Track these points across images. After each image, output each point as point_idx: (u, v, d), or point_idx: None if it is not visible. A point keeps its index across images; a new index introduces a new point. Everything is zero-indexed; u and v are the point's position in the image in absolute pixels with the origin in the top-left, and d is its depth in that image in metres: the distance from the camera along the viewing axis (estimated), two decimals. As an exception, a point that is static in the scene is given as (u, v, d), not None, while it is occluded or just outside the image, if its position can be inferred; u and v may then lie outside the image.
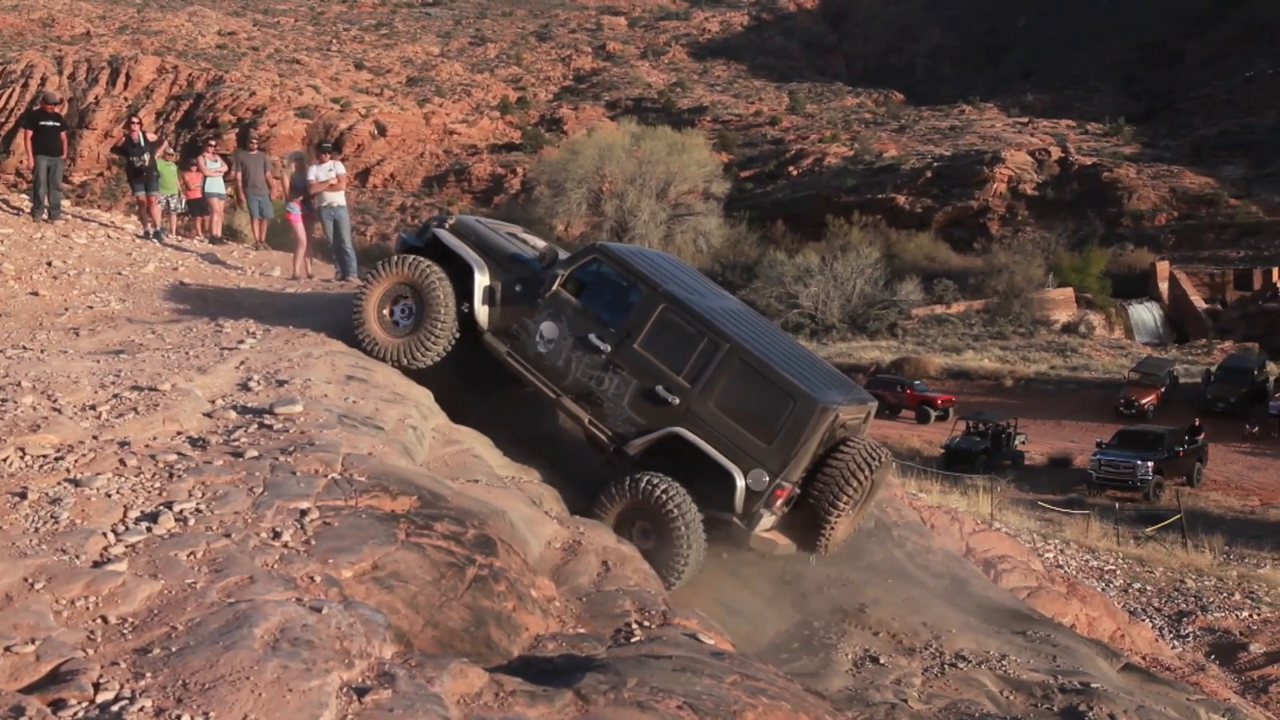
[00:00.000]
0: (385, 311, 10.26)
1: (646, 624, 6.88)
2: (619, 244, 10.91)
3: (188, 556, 5.42)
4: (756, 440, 8.92)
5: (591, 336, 9.52)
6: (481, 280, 10.09)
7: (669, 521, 8.83)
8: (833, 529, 9.22)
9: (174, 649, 4.54)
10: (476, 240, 10.43)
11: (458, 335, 10.18)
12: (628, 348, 9.40)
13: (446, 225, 10.62)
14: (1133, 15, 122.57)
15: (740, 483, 8.90)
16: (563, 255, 10.33)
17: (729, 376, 9.07)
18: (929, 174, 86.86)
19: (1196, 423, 36.34)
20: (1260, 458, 38.17)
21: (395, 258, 10.45)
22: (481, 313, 10.08)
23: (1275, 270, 68.93)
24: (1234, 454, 38.42)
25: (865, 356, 52.41)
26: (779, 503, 8.96)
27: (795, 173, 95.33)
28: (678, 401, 9.15)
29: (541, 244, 11.14)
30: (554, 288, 9.76)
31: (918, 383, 46.83)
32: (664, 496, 8.86)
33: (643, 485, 8.94)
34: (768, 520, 9.06)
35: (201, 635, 4.64)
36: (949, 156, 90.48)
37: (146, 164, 18.39)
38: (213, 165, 20.44)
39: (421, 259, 10.20)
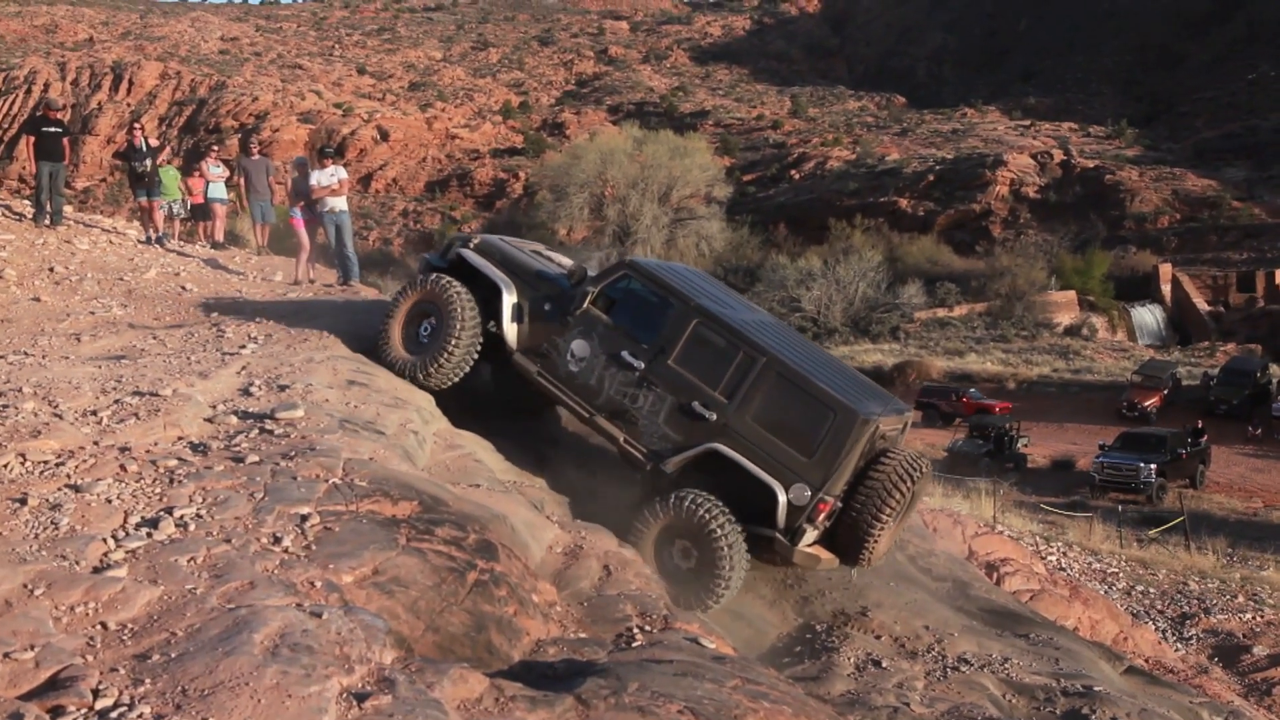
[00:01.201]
0: (410, 331, 10.15)
1: (648, 628, 6.86)
2: (649, 259, 10.80)
3: (188, 562, 5.41)
4: (797, 454, 8.74)
5: (624, 354, 9.34)
6: (509, 299, 9.93)
7: (711, 540, 8.67)
8: (876, 542, 9.05)
9: (173, 655, 4.53)
10: (502, 259, 10.27)
11: (478, 354, 10.02)
12: (661, 364, 9.22)
13: (471, 245, 10.47)
14: (1134, 17, 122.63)
15: (782, 498, 8.72)
16: (591, 272, 10.19)
17: (766, 390, 8.91)
18: (931, 177, 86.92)
19: (1199, 425, 36.35)
20: (1263, 460, 38.15)
21: (419, 277, 10.36)
22: (510, 332, 9.92)
23: (1277, 272, 68.94)
24: (1237, 456, 38.41)
25: (867, 360, 52.30)
26: (821, 517, 8.79)
27: (797, 176, 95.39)
28: (715, 417, 8.96)
29: (567, 262, 10.98)
30: (584, 305, 9.59)
31: (973, 390, 45.62)
32: (705, 515, 8.68)
33: (685, 504, 8.77)
34: (810, 535, 8.88)
35: (201, 641, 4.63)
36: (951, 160, 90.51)
37: (148, 169, 18.42)
38: (215, 170, 20.44)
39: (443, 277, 10.05)
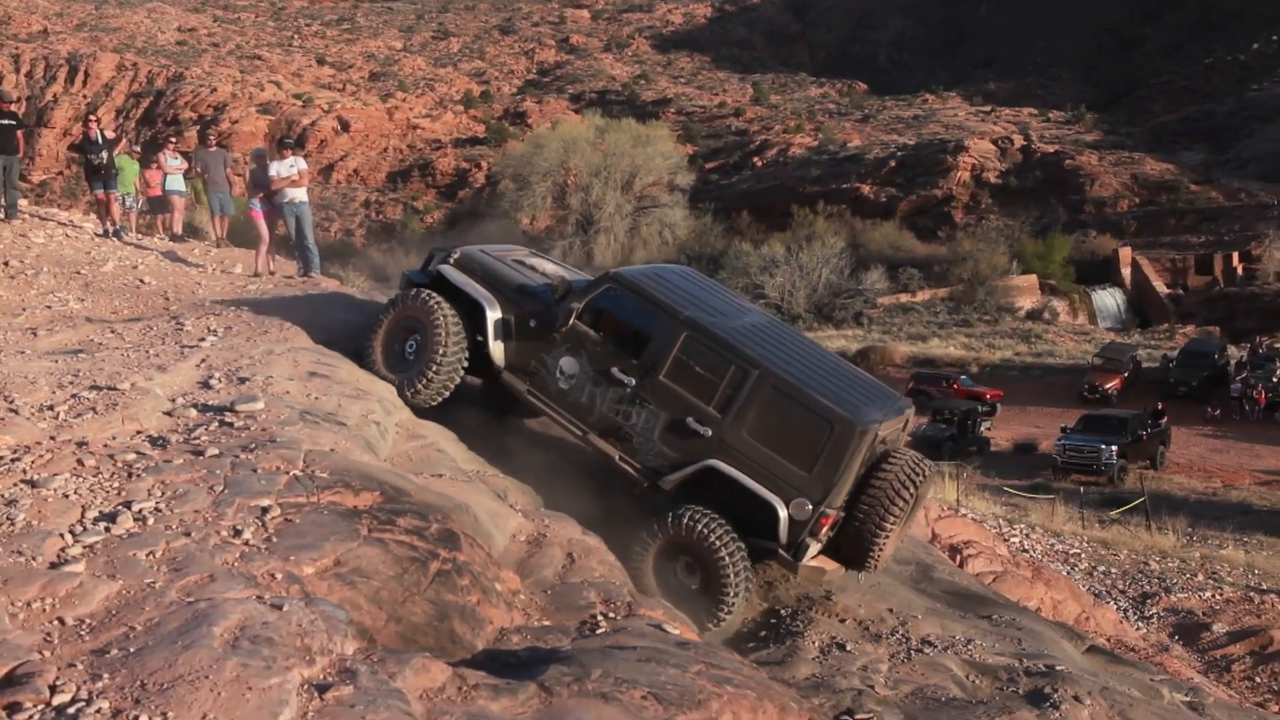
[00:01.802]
0: (395, 348, 9.94)
1: (612, 615, 6.86)
2: (634, 269, 10.32)
3: (146, 556, 5.37)
4: (795, 468, 8.53)
5: (614, 370, 9.11)
6: (493, 317, 9.71)
7: (714, 557, 8.50)
8: (881, 549, 8.92)
9: (132, 649, 4.50)
10: (484, 274, 10.02)
11: (464, 371, 9.83)
12: (653, 380, 8.98)
13: (451, 259, 10.20)
14: (1091, 3, 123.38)
15: (783, 513, 8.52)
16: (577, 281, 9.97)
17: (761, 403, 8.66)
18: (893, 163, 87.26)
19: (1159, 406, 36.71)
20: (1222, 440, 38.59)
21: (401, 293, 10.15)
22: (496, 350, 9.71)
23: (1235, 255, 69.69)
24: (1196, 437, 38.83)
25: (831, 346, 52.20)
26: (824, 530, 8.65)
27: (760, 163, 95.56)
28: (710, 433, 8.75)
29: (553, 268, 10.83)
30: (570, 321, 9.35)
31: (964, 377, 45.33)
32: (707, 532, 8.51)
33: (685, 521, 8.59)
34: (814, 549, 8.73)
35: (160, 635, 4.59)
36: (913, 146, 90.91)
37: (104, 161, 18.21)
38: (173, 162, 20.25)
39: (425, 293, 9.82)
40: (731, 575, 8.49)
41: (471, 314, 9.81)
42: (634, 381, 9.06)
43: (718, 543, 8.50)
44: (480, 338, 9.74)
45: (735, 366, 8.77)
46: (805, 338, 10.34)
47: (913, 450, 9.41)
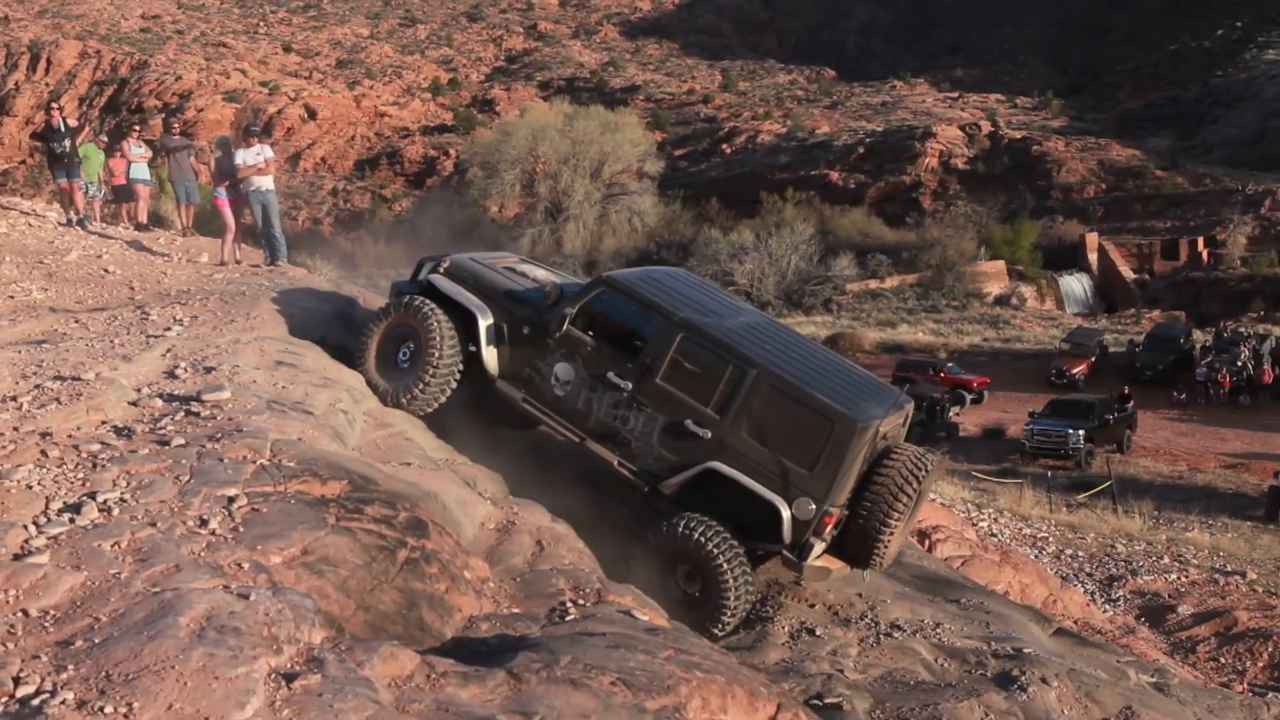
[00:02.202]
0: (388, 355, 9.80)
1: (581, 602, 6.86)
2: (626, 271, 10.11)
3: (112, 547, 5.33)
4: (797, 468, 8.38)
5: (610, 374, 8.97)
6: (485, 325, 9.57)
7: (713, 565, 8.39)
8: (886, 546, 8.82)
9: (97, 640, 4.46)
10: (475, 282, 9.88)
11: (459, 377, 9.69)
12: (649, 383, 8.84)
13: (441, 268, 10.04)
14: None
15: (785, 513, 8.41)
16: (569, 286, 9.84)
17: (760, 403, 8.54)
18: (861, 150, 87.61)
19: (1126, 391, 36.95)
20: (1187, 423, 38.94)
21: (393, 301, 10.01)
22: (489, 359, 9.57)
23: (1200, 240, 70.31)
24: (1162, 420, 39.15)
25: (801, 333, 52.38)
26: (828, 529, 8.54)
27: (729, 150, 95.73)
28: (709, 435, 8.63)
29: (543, 273, 10.72)
30: (564, 326, 9.22)
31: (951, 365, 45.11)
32: (704, 540, 8.39)
33: (680, 529, 8.47)
34: (819, 548, 8.60)
35: (125, 626, 4.56)
36: (881, 132, 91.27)
37: (67, 150, 18.06)
38: (137, 151, 20.08)
39: (419, 299, 9.71)
40: (731, 583, 8.37)
41: (464, 323, 9.68)
42: (630, 385, 8.93)
43: (716, 550, 8.37)
44: (473, 347, 9.60)
45: (733, 366, 8.65)
46: (802, 336, 10.25)
47: (914, 445, 9.27)
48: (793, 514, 8.43)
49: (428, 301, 9.67)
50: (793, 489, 8.43)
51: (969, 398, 42.08)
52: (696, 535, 8.40)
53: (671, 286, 9.61)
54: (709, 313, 9.24)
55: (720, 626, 8.41)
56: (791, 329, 10.48)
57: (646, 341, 9.00)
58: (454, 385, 9.71)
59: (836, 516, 8.55)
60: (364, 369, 9.82)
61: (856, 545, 8.87)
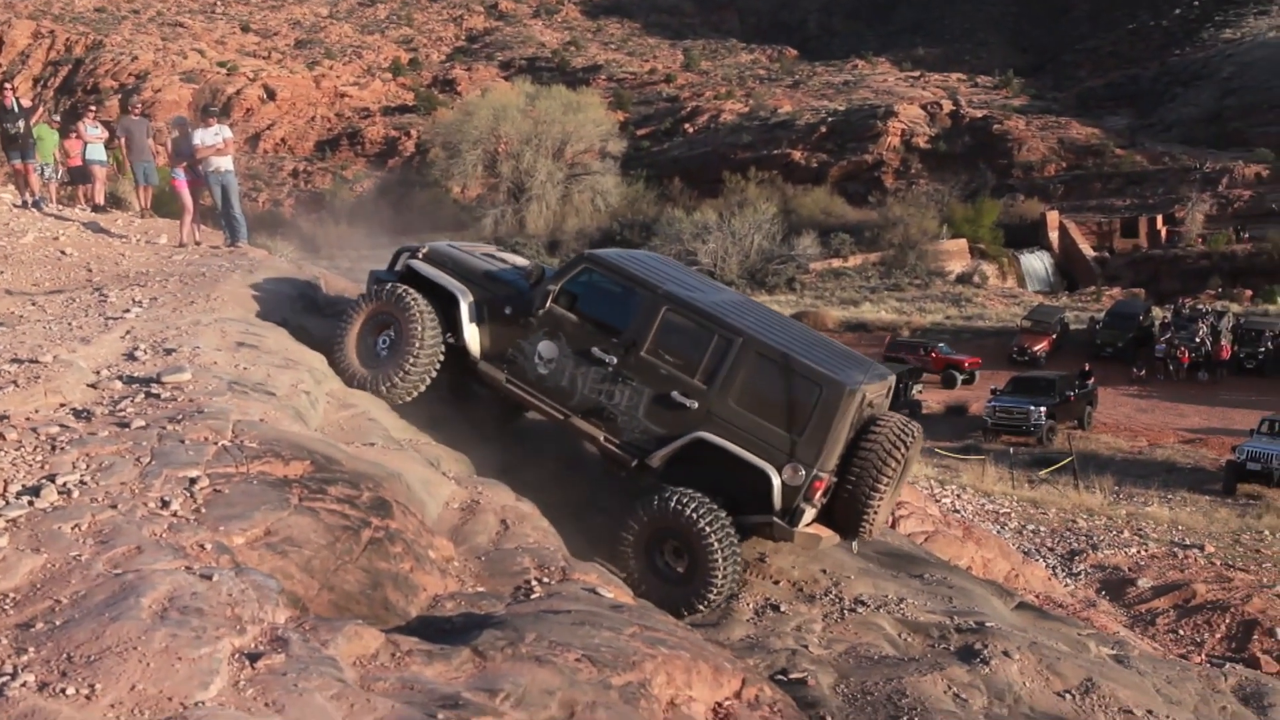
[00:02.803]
0: (367, 344, 9.71)
1: (546, 580, 6.88)
2: (607, 250, 10.18)
3: (72, 529, 5.29)
4: (785, 433, 8.43)
5: (594, 350, 8.98)
6: (467, 304, 9.54)
7: (700, 540, 8.36)
8: (875, 513, 8.84)
9: (58, 622, 4.43)
10: (454, 266, 9.86)
11: (440, 365, 9.61)
12: (634, 356, 8.86)
13: (420, 255, 10.02)
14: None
15: (776, 480, 8.41)
16: (549, 269, 9.82)
17: (747, 371, 8.56)
18: (823, 129, 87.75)
19: (1086, 368, 37.32)
20: (1147, 400, 39.40)
21: (372, 289, 9.94)
22: (471, 341, 9.52)
23: (1159, 218, 70.93)
24: (1122, 397, 39.58)
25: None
26: (818, 495, 8.53)
27: (691, 130, 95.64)
28: (696, 405, 8.62)
29: (522, 260, 10.66)
30: (547, 304, 9.21)
31: (942, 345, 45.16)
32: (693, 514, 8.35)
33: (671, 503, 8.44)
34: (809, 515, 8.61)
35: (87, 607, 4.53)
36: (843, 111, 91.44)
37: (21, 131, 17.81)
38: (93, 131, 19.85)
39: (399, 286, 9.64)
40: (719, 558, 8.36)
41: (446, 309, 9.63)
42: (615, 360, 8.93)
43: (706, 526, 8.36)
44: (450, 338, 9.56)
45: (718, 336, 8.68)
46: (783, 315, 10.32)
47: (898, 414, 9.31)
48: (783, 480, 8.44)
49: (409, 289, 9.60)
50: (781, 455, 8.46)
51: (960, 378, 42.33)
52: (687, 511, 8.38)
53: (652, 264, 9.69)
54: (692, 288, 9.29)
55: (706, 603, 8.41)
56: (773, 309, 10.54)
57: (631, 316, 9.01)
58: (434, 373, 9.65)
59: (826, 482, 8.56)
60: (342, 357, 9.73)
61: (845, 514, 8.89)
